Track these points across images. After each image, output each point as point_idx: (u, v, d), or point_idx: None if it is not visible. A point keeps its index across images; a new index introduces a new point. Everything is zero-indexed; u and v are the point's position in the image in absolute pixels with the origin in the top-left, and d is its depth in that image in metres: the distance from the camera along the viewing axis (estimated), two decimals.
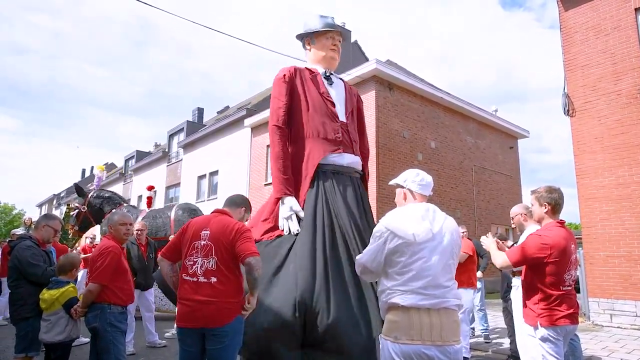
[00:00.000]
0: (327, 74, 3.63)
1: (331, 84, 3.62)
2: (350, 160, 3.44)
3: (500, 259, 2.79)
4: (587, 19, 7.96)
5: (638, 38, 7.32)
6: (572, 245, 2.66)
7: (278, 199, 3.25)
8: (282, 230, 3.17)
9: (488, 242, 3.10)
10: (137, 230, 5.48)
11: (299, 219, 3.16)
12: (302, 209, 3.19)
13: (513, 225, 3.87)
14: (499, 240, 3.16)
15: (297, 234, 3.10)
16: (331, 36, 3.64)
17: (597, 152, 7.60)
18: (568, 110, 8.05)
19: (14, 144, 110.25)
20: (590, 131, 7.74)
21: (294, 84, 3.51)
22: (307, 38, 3.70)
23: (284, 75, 3.50)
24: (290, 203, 3.19)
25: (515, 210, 3.76)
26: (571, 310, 2.60)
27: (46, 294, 3.25)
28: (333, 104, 3.51)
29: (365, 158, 3.74)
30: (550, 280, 2.58)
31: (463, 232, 6.38)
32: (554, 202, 2.73)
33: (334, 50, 3.64)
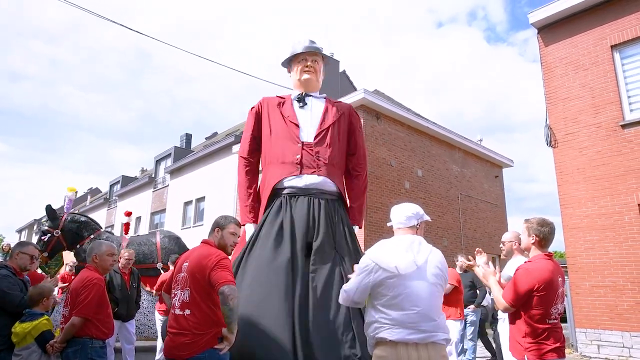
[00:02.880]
0: (302, 96, 3.69)
1: (303, 106, 3.66)
2: (310, 181, 3.42)
3: (500, 303, 2.72)
4: (566, 55, 8.27)
5: (615, 73, 7.61)
6: (560, 279, 2.64)
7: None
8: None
9: (487, 273, 2.99)
10: (126, 258, 5.35)
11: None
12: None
13: (502, 249, 3.85)
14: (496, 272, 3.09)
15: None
16: (303, 58, 3.72)
17: (579, 182, 7.75)
18: (551, 142, 8.25)
19: (1, 168, 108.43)
20: (572, 162, 7.91)
21: (260, 115, 3.72)
22: (288, 66, 3.89)
23: (252, 108, 3.78)
24: (249, 230, 3.43)
25: (509, 237, 3.76)
26: (558, 344, 2.56)
27: (18, 327, 3.10)
28: (296, 126, 3.54)
29: (357, 176, 3.78)
30: (537, 313, 2.56)
31: (462, 262, 6.37)
32: (542, 236, 2.72)
33: (307, 72, 3.70)
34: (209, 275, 2.45)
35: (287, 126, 3.54)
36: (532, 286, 2.55)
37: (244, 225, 3.45)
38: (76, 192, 8.84)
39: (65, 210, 7.85)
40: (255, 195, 3.60)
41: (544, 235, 2.73)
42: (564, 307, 2.82)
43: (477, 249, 3.24)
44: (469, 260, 3.25)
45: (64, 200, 8.24)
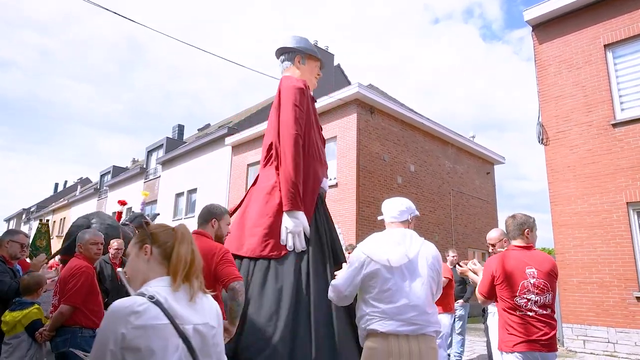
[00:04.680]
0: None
1: None
2: (327, 184, 3.60)
3: (477, 296, 2.82)
4: (560, 53, 8.31)
5: (607, 73, 7.67)
6: (530, 269, 2.59)
7: (281, 211, 3.12)
8: (286, 246, 3.07)
9: (465, 271, 3.09)
10: (115, 248, 5.31)
11: (305, 237, 3.14)
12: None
13: (490, 250, 3.86)
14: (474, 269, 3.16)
15: (301, 252, 3.10)
16: (318, 66, 3.83)
17: (570, 180, 7.83)
18: (542, 139, 8.32)
19: None
20: (563, 160, 7.98)
21: (307, 98, 3.44)
22: (299, 56, 3.69)
23: (304, 85, 3.44)
24: (302, 218, 3.11)
25: (497, 235, 3.75)
26: (534, 337, 2.50)
27: (8, 316, 3.07)
28: (321, 128, 3.66)
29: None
30: (505, 305, 2.60)
31: (453, 257, 6.45)
32: (505, 227, 2.89)
33: (317, 79, 3.84)
34: (215, 270, 2.43)
35: (318, 124, 3.63)
36: (490, 276, 2.65)
37: (294, 210, 3.06)
38: (148, 194, 10.24)
39: (141, 211, 8.58)
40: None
41: (506, 226, 2.86)
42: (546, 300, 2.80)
43: (464, 261, 3.29)
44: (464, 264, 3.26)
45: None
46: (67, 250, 6.79)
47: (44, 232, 10.06)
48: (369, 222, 11.76)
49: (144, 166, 24.38)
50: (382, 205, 2.48)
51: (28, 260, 6.38)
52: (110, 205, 26.63)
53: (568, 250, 7.66)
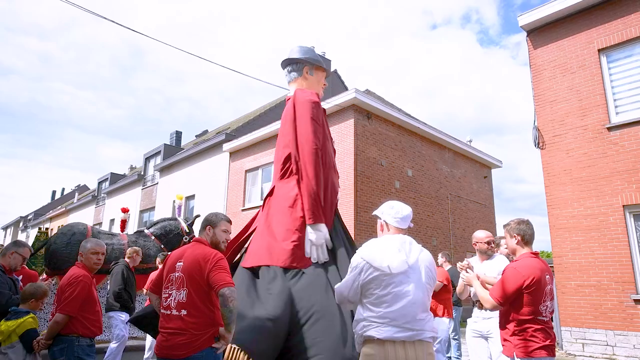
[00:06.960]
0: None
1: None
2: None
3: (488, 302, 2.77)
4: (554, 57, 8.38)
5: (601, 77, 7.73)
6: (547, 276, 2.70)
7: (304, 224, 3.30)
8: (311, 258, 3.24)
9: (471, 278, 3.08)
10: (134, 254, 5.42)
11: (328, 248, 3.31)
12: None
13: (493, 246, 3.89)
14: (479, 276, 3.17)
15: (324, 263, 3.24)
16: (324, 76, 4.04)
17: (566, 183, 7.87)
18: (538, 143, 8.36)
19: None
20: (559, 163, 8.03)
21: (322, 111, 3.71)
22: (308, 67, 3.88)
23: (319, 98, 3.70)
24: (325, 231, 3.29)
25: (486, 234, 3.84)
26: (547, 342, 2.61)
27: (3, 325, 3.06)
28: (332, 139, 3.91)
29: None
30: (526, 310, 2.61)
31: (442, 260, 6.49)
32: (522, 233, 2.82)
33: (323, 89, 4.03)
34: (208, 276, 2.44)
35: (330, 137, 3.87)
36: (522, 284, 2.61)
37: (317, 223, 3.26)
38: (183, 198, 9.88)
39: (177, 216, 8.62)
40: None
41: (524, 232, 2.82)
42: (554, 306, 2.92)
43: (467, 263, 3.24)
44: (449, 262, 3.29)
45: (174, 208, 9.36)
46: None
47: (42, 240, 10.06)
48: (367, 227, 11.76)
49: (142, 173, 24.35)
50: (384, 204, 2.47)
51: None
52: (108, 212, 26.57)
53: (565, 254, 7.69)
